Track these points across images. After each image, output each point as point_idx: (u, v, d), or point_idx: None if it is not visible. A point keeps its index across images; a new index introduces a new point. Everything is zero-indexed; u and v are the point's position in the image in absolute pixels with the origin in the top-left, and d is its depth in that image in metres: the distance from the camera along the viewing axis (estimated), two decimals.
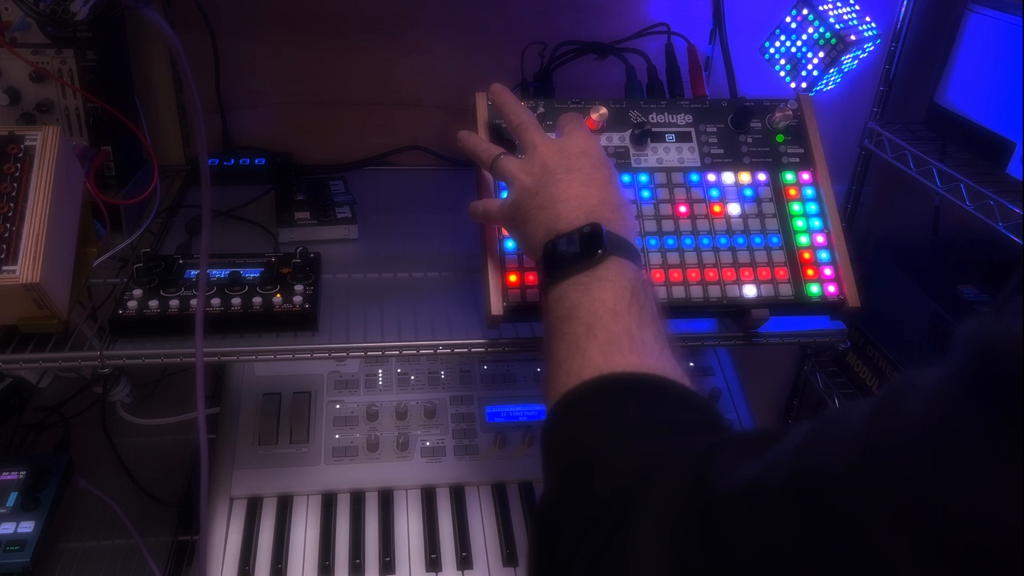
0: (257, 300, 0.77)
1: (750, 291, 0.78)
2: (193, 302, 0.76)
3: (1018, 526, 0.29)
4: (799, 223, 0.81)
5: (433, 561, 0.91)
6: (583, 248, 0.58)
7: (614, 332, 0.53)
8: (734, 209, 0.81)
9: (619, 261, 0.58)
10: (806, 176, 0.83)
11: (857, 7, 0.99)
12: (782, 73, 1.02)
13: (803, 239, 0.80)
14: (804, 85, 1.00)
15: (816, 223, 0.81)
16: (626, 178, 0.81)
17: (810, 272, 0.79)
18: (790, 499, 0.36)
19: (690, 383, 0.52)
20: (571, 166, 0.65)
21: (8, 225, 0.68)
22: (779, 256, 0.79)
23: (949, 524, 0.30)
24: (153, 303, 0.76)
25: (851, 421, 0.36)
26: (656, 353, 0.53)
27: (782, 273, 0.79)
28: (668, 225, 0.80)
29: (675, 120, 0.84)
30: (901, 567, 0.32)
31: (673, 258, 0.78)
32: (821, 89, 1.01)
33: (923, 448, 0.32)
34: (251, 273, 0.81)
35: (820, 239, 0.81)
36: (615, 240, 0.59)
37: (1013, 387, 0.29)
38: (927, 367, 0.34)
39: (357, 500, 0.96)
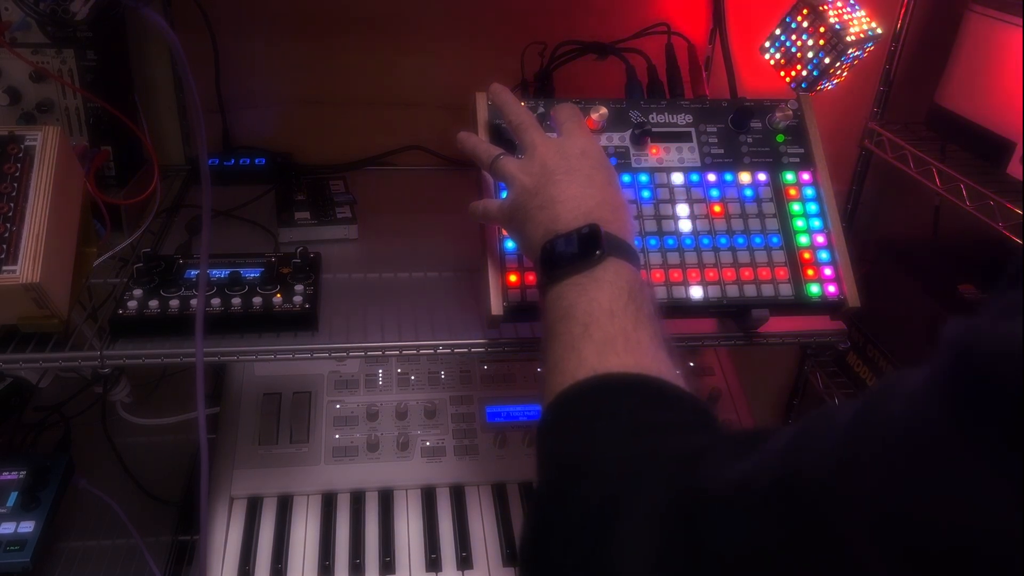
0: (257, 300, 0.77)
1: (750, 291, 0.78)
2: (193, 302, 0.76)
3: (987, 536, 0.28)
4: (799, 223, 0.81)
5: (433, 561, 0.91)
6: (581, 249, 0.58)
7: (610, 333, 0.53)
8: (734, 209, 0.81)
9: (617, 262, 0.58)
10: (806, 176, 0.83)
11: (857, 7, 0.99)
12: (782, 73, 1.02)
13: (803, 239, 0.80)
14: (804, 85, 1.00)
15: (816, 223, 0.81)
16: (626, 178, 0.81)
17: (810, 272, 0.79)
18: (774, 502, 0.35)
19: (685, 384, 0.51)
20: (571, 167, 0.65)
21: (8, 225, 0.68)
22: (779, 256, 0.79)
23: (919, 534, 0.30)
24: (153, 303, 0.76)
25: (836, 422, 0.35)
26: (651, 353, 0.53)
27: (782, 273, 0.79)
28: (668, 225, 0.80)
29: (675, 120, 0.84)
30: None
31: (673, 258, 0.78)
32: (821, 89, 1.01)
33: (899, 454, 0.31)
34: (251, 273, 0.81)
35: (820, 239, 0.81)
36: (613, 241, 0.59)
37: (989, 392, 0.28)
38: (914, 368, 0.33)
39: (357, 500, 0.96)
